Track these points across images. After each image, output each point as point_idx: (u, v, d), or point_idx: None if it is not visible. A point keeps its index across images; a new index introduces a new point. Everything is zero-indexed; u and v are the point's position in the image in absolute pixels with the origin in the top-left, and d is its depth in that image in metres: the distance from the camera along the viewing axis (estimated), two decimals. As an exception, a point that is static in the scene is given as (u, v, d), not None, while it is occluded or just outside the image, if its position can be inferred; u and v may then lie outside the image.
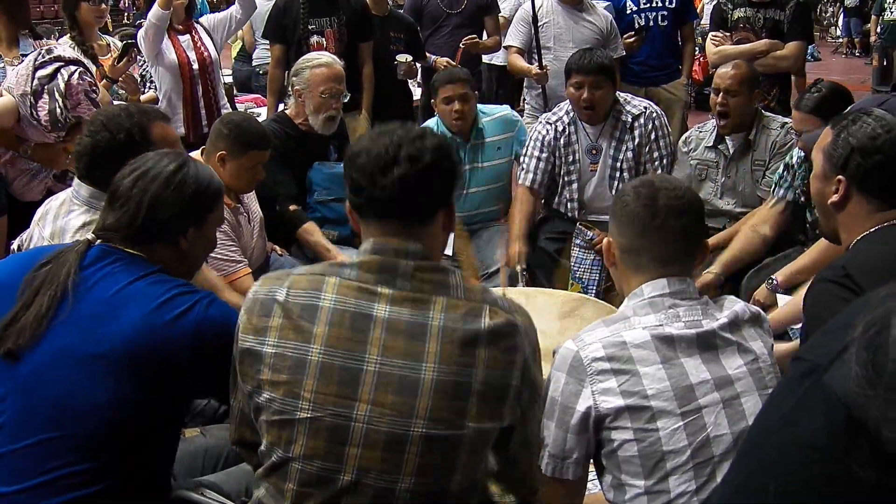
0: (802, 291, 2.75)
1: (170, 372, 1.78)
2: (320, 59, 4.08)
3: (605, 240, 1.93)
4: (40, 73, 3.53)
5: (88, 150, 2.35)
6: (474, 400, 1.63)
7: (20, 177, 3.71)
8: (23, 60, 3.69)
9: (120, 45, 4.43)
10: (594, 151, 4.05)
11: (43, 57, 3.59)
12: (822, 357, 1.03)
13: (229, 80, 6.98)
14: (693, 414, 1.69)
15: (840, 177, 2.01)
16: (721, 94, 3.79)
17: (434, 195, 1.73)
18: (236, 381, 1.77)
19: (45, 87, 3.52)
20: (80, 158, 2.40)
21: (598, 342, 1.73)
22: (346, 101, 4.08)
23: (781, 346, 2.77)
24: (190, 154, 2.38)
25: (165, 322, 1.78)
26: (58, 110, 3.54)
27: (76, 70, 3.65)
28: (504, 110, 4.47)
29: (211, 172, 2.04)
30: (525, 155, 4.14)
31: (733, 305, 1.84)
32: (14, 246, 2.66)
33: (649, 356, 1.72)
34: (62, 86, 3.55)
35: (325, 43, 4.86)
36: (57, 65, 3.57)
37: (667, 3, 5.30)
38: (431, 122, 4.27)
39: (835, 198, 2.02)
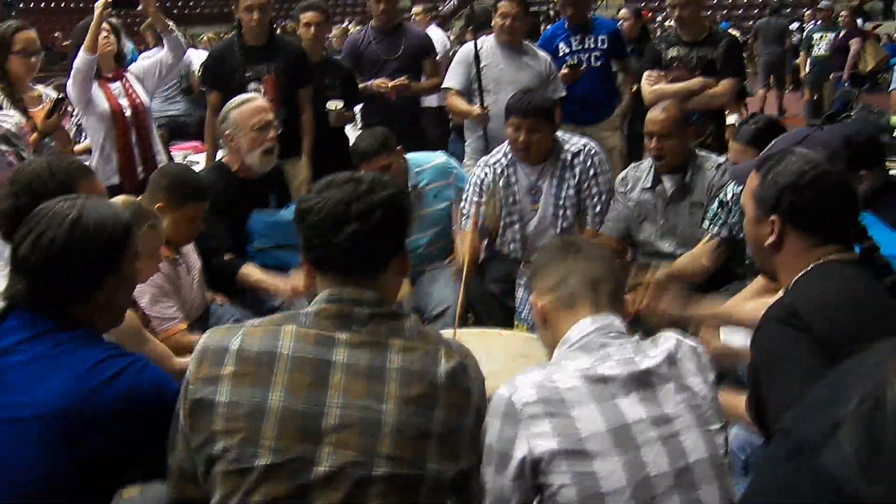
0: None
1: (101, 436, 1.71)
2: (242, 98, 4.07)
3: (530, 300, 1.97)
4: None
5: (12, 214, 2.25)
6: (434, 442, 1.65)
7: None
8: None
9: (53, 95, 4.35)
10: (533, 192, 4.07)
11: None
12: (811, 434, 0.96)
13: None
14: (630, 453, 1.67)
15: (773, 217, 2.02)
16: (654, 138, 3.80)
17: (386, 247, 1.77)
18: (175, 437, 1.73)
19: None
20: (3, 222, 2.31)
21: (530, 387, 1.72)
22: (279, 132, 4.02)
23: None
24: None
25: (95, 386, 1.71)
26: (22, 153, 3.61)
27: (13, 114, 3.66)
28: (438, 158, 4.42)
29: (113, 210, 1.91)
30: (465, 200, 4.13)
31: (668, 342, 1.84)
32: None
33: (582, 398, 1.70)
34: (13, 129, 3.64)
35: (262, 89, 4.82)
36: None
37: (599, 45, 5.40)
38: None
39: (771, 239, 2.03)
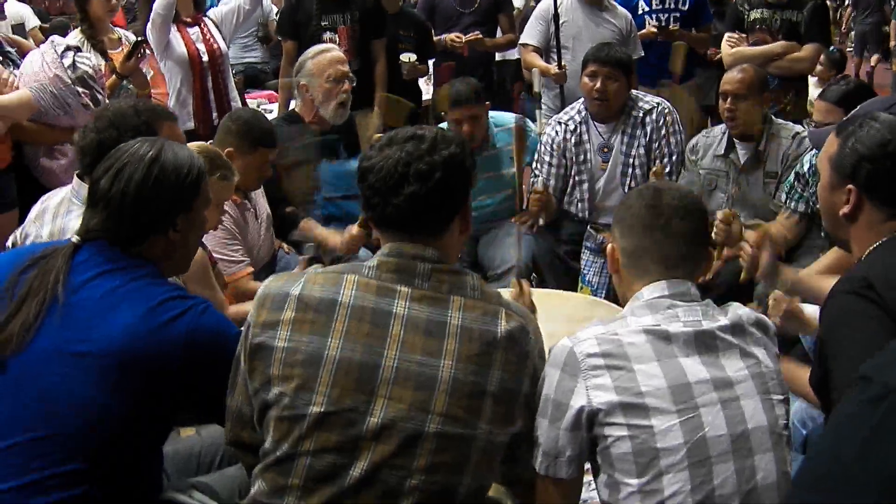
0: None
1: (158, 375, 1.74)
2: (319, 48, 4.08)
3: (608, 246, 1.91)
4: (65, 62, 3.60)
5: (94, 147, 2.30)
6: (489, 401, 1.64)
7: (71, 167, 3.72)
8: None
9: (133, 38, 4.41)
10: (605, 150, 4.01)
11: (57, 48, 3.65)
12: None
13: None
14: (689, 412, 1.65)
15: (850, 186, 1.95)
16: (728, 98, 3.70)
17: (447, 208, 1.75)
18: (236, 381, 1.76)
19: (75, 76, 3.64)
20: (85, 155, 2.35)
21: (592, 338, 1.70)
22: (353, 84, 4.02)
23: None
24: None
25: (157, 325, 1.74)
26: (98, 95, 3.72)
27: (90, 56, 3.74)
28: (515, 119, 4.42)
29: (190, 154, 1.96)
30: (537, 161, 4.10)
31: (737, 311, 1.80)
32: (9, 242, 2.62)
33: (645, 353, 1.68)
34: (91, 71, 3.72)
35: (337, 40, 4.83)
36: (70, 54, 3.66)
37: (679, 6, 5.26)
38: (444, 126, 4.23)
39: (846, 209, 1.96)
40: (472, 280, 1.74)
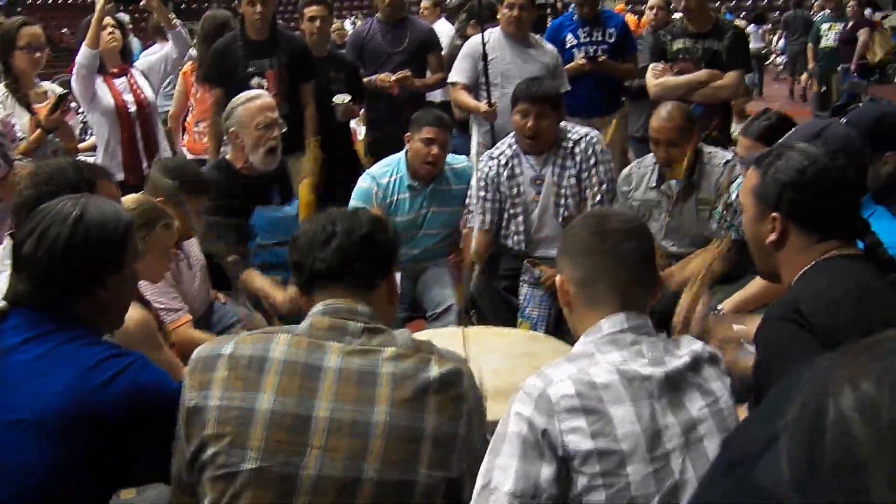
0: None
1: (100, 435, 1.70)
2: (249, 94, 4.04)
3: (557, 279, 1.87)
4: None
5: (32, 204, 2.24)
6: (427, 445, 1.63)
7: None
8: None
9: (59, 91, 4.35)
10: (538, 182, 4.03)
11: None
12: (750, 446, 0.90)
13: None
14: (661, 460, 1.63)
15: (775, 214, 1.99)
16: (661, 145, 3.74)
17: (372, 263, 1.81)
18: (175, 447, 1.72)
19: None
20: (20, 212, 2.30)
21: (567, 379, 1.64)
22: (283, 130, 4.00)
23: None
24: None
25: (95, 386, 1.70)
26: (8, 153, 3.61)
27: None
28: (464, 161, 4.44)
29: (115, 209, 1.92)
30: (471, 196, 4.11)
31: (691, 345, 1.79)
32: None
33: (619, 396, 1.64)
34: None
35: (265, 85, 4.80)
36: None
37: (606, 38, 5.36)
38: (393, 160, 4.21)
39: (773, 237, 2.00)
40: (403, 336, 1.76)
